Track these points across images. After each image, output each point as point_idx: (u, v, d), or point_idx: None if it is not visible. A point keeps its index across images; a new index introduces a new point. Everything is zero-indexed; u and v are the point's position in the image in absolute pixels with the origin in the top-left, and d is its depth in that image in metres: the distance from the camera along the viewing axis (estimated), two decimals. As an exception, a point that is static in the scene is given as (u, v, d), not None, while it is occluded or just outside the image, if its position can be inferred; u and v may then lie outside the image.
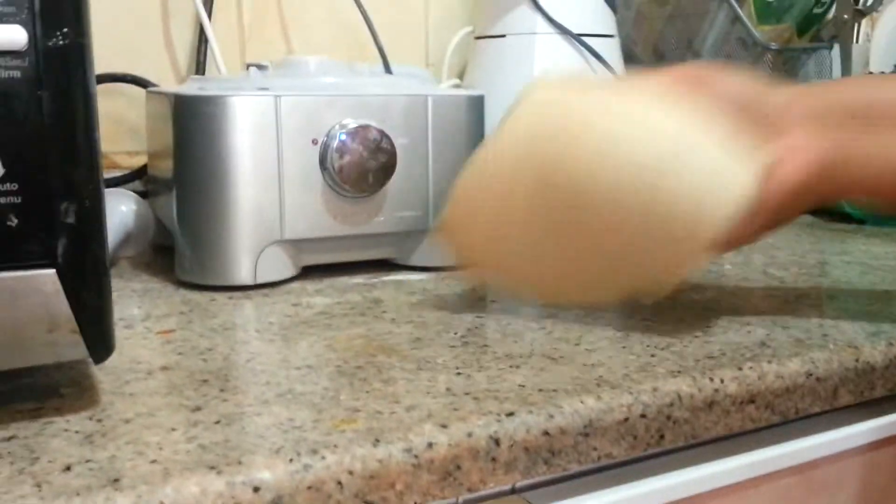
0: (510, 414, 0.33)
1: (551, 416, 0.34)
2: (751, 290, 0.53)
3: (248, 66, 0.60)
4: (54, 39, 0.30)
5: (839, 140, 0.41)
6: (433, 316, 0.48)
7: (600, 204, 0.40)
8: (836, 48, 0.81)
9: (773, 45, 0.77)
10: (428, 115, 0.57)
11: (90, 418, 0.33)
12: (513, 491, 0.36)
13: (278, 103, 0.52)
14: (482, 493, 0.34)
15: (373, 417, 0.33)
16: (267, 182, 0.52)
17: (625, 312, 0.48)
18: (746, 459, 0.40)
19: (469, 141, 0.59)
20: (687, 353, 0.40)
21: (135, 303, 0.50)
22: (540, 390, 0.36)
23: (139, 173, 0.69)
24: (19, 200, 0.30)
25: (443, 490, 0.32)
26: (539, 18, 0.72)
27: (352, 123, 0.53)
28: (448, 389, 0.36)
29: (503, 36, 0.75)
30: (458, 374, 0.38)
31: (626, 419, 0.35)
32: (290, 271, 0.55)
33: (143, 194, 0.63)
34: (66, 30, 0.30)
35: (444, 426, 0.32)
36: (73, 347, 0.31)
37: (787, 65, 0.78)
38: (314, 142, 0.53)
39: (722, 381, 0.38)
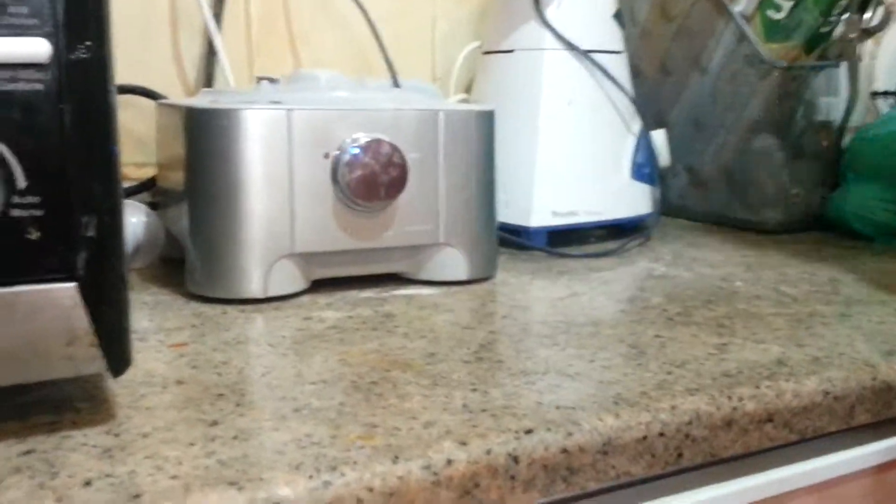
0: (528, 431, 0.33)
1: (570, 434, 0.34)
2: (763, 307, 0.53)
3: (260, 79, 0.60)
4: (77, 53, 0.30)
5: None
6: (445, 331, 0.47)
7: None
8: (843, 66, 0.82)
9: (781, 63, 0.77)
10: (439, 129, 0.57)
11: (108, 432, 0.32)
12: (530, 509, 0.36)
13: (290, 117, 0.52)
14: (500, 510, 0.34)
15: (390, 434, 0.33)
16: (278, 195, 0.52)
17: (638, 329, 0.47)
18: (764, 478, 0.40)
19: (479, 155, 0.59)
20: (704, 371, 0.40)
21: (146, 315, 0.50)
22: (557, 407, 0.36)
23: (147, 185, 0.69)
24: (41, 213, 0.29)
25: (462, 508, 0.31)
26: (547, 34, 0.73)
27: (363, 137, 0.53)
28: (465, 406, 0.36)
29: (511, 51, 0.75)
30: (474, 390, 0.38)
31: (645, 437, 0.35)
32: (300, 285, 0.55)
33: (151, 205, 0.63)
34: (89, 43, 0.30)
35: (462, 443, 0.32)
36: (91, 361, 0.31)
37: (794, 82, 0.78)
38: (326, 155, 0.53)
39: (740, 399, 0.37)
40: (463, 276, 0.58)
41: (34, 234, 0.29)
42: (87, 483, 0.28)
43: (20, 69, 0.29)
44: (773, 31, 0.78)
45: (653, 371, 0.40)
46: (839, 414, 0.40)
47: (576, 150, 0.72)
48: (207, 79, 0.75)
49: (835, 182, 0.82)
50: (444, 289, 0.57)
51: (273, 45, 0.79)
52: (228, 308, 0.51)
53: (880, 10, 0.82)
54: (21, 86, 0.29)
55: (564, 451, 0.33)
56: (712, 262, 0.67)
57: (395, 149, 0.54)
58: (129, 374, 0.38)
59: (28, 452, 0.30)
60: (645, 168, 0.76)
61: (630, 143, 0.76)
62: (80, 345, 0.31)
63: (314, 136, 0.53)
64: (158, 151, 0.63)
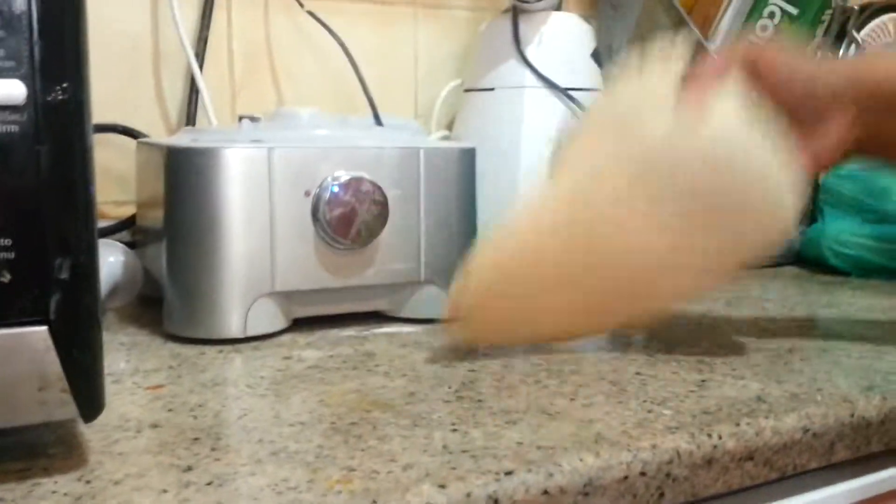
0: (509, 473, 0.33)
1: (550, 475, 0.33)
2: (743, 342, 0.53)
3: (241, 118, 0.60)
4: (54, 94, 0.30)
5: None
6: (426, 369, 0.47)
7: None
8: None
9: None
10: (420, 167, 0.57)
11: (79, 479, 0.32)
12: (511, 552, 0.35)
13: (271, 155, 0.52)
14: (480, 554, 0.33)
15: (369, 477, 0.32)
16: (259, 234, 0.52)
17: (619, 365, 0.47)
18: (745, 517, 0.40)
19: (460, 193, 0.59)
20: (683, 409, 0.40)
21: (122, 356, 0.49)
22: (538, 447, 0.35)
23: (127, 223, 0.68)
24: (13, 256, 0.29)
25: (441, 553, 0.31)
26: (527, 73, 0.74)
27: (344, 175, 0.54)
28: (444, 447, 0.35)
29: (492, 89, 0.76)
30: (454, 430, 0.37)
31: (626, 477, 0.35)
32: (280, 324, 0.54)
33: (130, 244, 0.62)
34: (65, 85, 0.30)
35: (442, 486, 0.32)
36: (63, 406, 0.31)
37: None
38: (307, 193, 0.53)
39: (720, 437, 0.37)
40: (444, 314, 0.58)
41: (6, 277, 0.29)
42: (56, 533, 0.27)
43: (-4, 111, 0.29)
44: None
45: (632, 409, 0.40)
46: (819, 451, 0.40)
47: (556, 187, 0.73)
48: (190, 117, 0.75)
49: (812, 217, 0.83)
50: (425, 326, 0.57)
51: (256, 81, 0.79)
52: (207, 348, 0.51)
53: (853, 48, 0.84)
54: (-4, 128, 0.29)
55: (545, 492, 0.33)
56: (693, 297, 0.67)
57: (375, 186, 0.54)
58: (102, 418, 0.37)
59: (-4, 501, 0.30)
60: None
61: (610, 180, 0.76)
62: (52, 390, 0.30)
63: (295, 174, 0.53)
64: (138, 190, 0.63)
